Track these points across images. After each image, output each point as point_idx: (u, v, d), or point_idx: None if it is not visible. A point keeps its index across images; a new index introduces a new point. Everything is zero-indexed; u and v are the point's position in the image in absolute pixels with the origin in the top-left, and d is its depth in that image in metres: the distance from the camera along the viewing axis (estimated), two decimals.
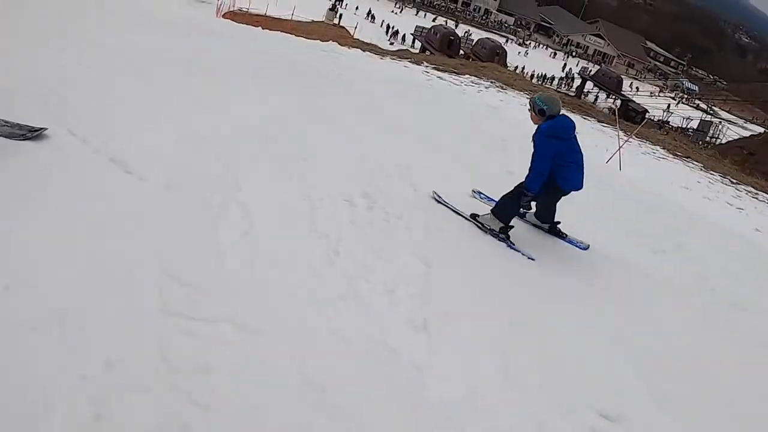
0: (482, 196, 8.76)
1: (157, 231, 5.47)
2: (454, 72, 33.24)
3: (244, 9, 63.05)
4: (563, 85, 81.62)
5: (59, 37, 11.26)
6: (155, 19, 22.48)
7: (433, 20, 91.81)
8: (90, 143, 6.74)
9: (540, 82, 73.16)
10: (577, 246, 8.12)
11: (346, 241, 6.17)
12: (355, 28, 61.01)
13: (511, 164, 10.92)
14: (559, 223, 8.22)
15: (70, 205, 5.46)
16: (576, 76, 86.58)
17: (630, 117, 58.39)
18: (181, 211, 5.94)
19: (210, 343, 4.30)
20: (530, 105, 7.46)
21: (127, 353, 3.99)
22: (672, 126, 69.16)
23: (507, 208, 7.48)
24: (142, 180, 6.28)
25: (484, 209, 7.95)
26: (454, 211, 7.92)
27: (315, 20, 65.38)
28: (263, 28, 39.69)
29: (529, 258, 7.25)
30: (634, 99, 74.95)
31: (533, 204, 7.75)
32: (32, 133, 6.48)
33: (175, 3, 58.89)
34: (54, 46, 10.22)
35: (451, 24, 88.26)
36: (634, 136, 27.65)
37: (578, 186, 7.46)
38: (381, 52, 37.12)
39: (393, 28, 79.05)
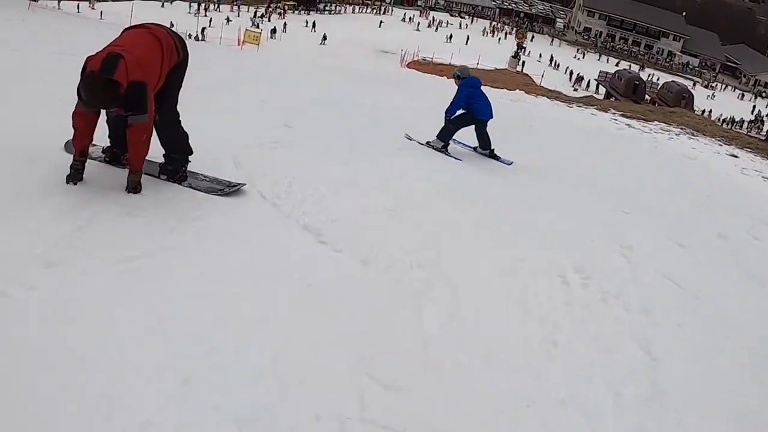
0: (456, 141, 11.96)
1: (356, 313, 4.91)
2: (642, 119, 31.70)
3: (427, 58, 63.54)
4: (752, 129, 77.06)
5: (236, 94, 11.32)
6: (346, 72, 22.66)
7: (616, 65, 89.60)
8: (281, 208, 6.41)
9: (729, 126, 69.13)
10: (504, 162, 11.54)
11: (564, 327, 5.32)
12: (542, 76, 59.71)
13: (721, 224, 9.89)
14: (494, 149, 11.68)
15: (262, 276, 5.09)
16: (765, 118, 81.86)
17: None
18: (381, 289, 5.38)
19: None
20: (453, 76, 12.03)
21: None
22: None
23: (444, 133, 11.24)
24: (338, 252, 5.80)
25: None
26: (419, 143, 11.29)
27: (498, 68, 65.07)
28: (449, 78, 39.76)
29: (456, 159, 10.95)
30: None
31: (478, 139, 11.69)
32: (231, 189, 6.44)
33: (361, 54, 60.70)
34: (239, 104, 10.18)
35: (635, 68, 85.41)
36: None
37: (489, 116, 11.39)
38: (567, 99, 36.10)
39: (576, 74, 77.46)
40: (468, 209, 7.82)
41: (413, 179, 8.52)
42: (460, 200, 8.11)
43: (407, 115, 14.06)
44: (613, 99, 57.95)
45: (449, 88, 28.78)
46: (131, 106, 5.50)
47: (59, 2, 61.09)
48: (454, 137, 11.56)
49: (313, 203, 6.70)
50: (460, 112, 11.22)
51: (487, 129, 11.49)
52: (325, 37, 71.55)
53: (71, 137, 5.71)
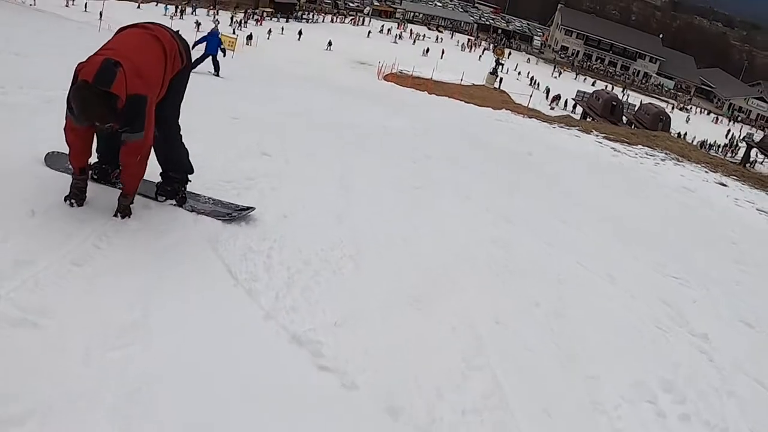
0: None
1: None
2: (626, 142, 30.73)
3: (405, 71, 61.87)
4: (727, 153, 76.12)
5: (204, 109, 9.39)
6: (324, 84, 21.02)
7: (592, 84, 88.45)
8: (258, 298, 4.39)
9: (706, 150, 68.24)
10: (220, 77, 18.88)
11: None
12: (530, 96, 57.49)
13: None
14: (219, 72, 19.69)
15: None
16: (739, 143, 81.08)
17: None
18: None
19: None
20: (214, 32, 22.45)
21: None
22: None
23: (195, 62, 15.23)
24: (349, 389, 3.73)
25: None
26: None
27: (475, 83, 63.73)
28: (429, 93, 38.20)
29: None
30: None
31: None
32: (238, 213, 5.61)
33: (339, 65, 58.99)
34: (207, 123, 8.23)
35: (617, 89, 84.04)
36: None
37: (213, 51, 19.89)
38: (547, 119, 35.03)
39: (554, 92, 75.93)
40: (513, 291, 5.89)
41: (439, 246, 6.46)
42: (500, 279, 6.12)
43: (400, 137, 12.32)
44: (589, 119, 56.97)
45: (434, 104, 27.41)
46: (127, 122, 4.61)
47: None
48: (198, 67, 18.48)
49: (303, 289, 4.68)
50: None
51: (218, 58, 19.93)
52: (330, 43, 73.32)
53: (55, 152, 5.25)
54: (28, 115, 6.80)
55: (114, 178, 5.47)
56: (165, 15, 69.44)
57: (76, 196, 4.91)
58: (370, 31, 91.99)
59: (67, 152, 4.91)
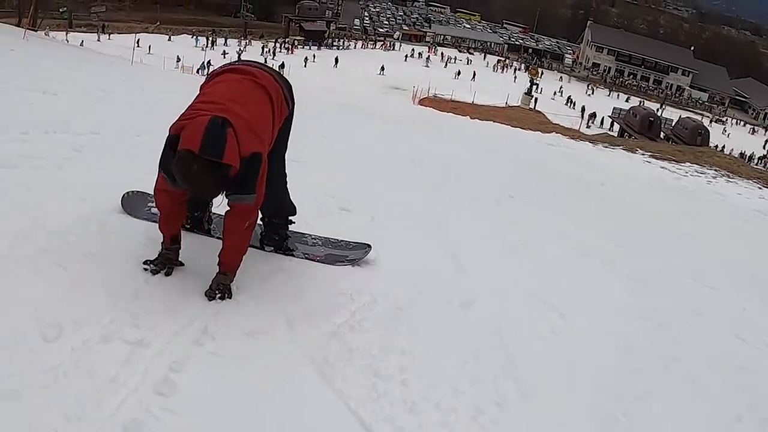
0: None
1: None
2: (674, 160, 29.64)
3: (439, 95, 60.93)
4: (766, 164, 74.18)
5: None
6: (374, 114, 19.97)
7: (626, 100, 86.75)
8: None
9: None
10: None
11: None
12: (581, 120, 55.91)
13: None
14: None
15: None
16: None
17: None
18: None
19: None
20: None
21: None
22: None
23: None
24: None
25: None
26: None
27: (510, 105, 62.88)
28: (471, 117, 36.99)
29: None
30: None
31: None
32: (357, 255, 5.08)
33: (372, 90, 57.85)
34: None
35: (650, 104, 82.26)
36: None
37: None
38: (589, 139, 33.95)
39: (589, 110, 74.42)
40: (706, 399, 4.46)
41: (595, 338, 4.89)
42: (679, 379, 4.62)
43: (467, 170, 11.01)
44: (626, 136, 55.73)
45: (477, 130, 26.19)
46: (238, 185, 3.86)
47: (67, 33, 59.72)
48: None
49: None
50: None
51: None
52: (383, 68, 74.73)
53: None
54: (52, 169, 5.40)
55: (207, 224, 4.93)
56: (196, 47, 69.25)
57: (163, 266, 4.17)
58: (407, 55, 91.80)
59: (149, 196, 4.39)
